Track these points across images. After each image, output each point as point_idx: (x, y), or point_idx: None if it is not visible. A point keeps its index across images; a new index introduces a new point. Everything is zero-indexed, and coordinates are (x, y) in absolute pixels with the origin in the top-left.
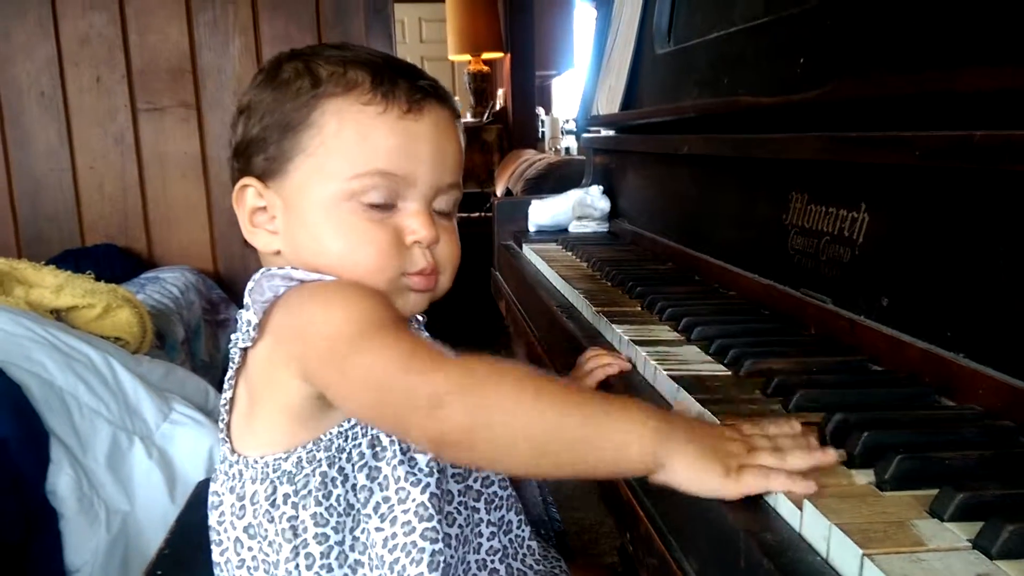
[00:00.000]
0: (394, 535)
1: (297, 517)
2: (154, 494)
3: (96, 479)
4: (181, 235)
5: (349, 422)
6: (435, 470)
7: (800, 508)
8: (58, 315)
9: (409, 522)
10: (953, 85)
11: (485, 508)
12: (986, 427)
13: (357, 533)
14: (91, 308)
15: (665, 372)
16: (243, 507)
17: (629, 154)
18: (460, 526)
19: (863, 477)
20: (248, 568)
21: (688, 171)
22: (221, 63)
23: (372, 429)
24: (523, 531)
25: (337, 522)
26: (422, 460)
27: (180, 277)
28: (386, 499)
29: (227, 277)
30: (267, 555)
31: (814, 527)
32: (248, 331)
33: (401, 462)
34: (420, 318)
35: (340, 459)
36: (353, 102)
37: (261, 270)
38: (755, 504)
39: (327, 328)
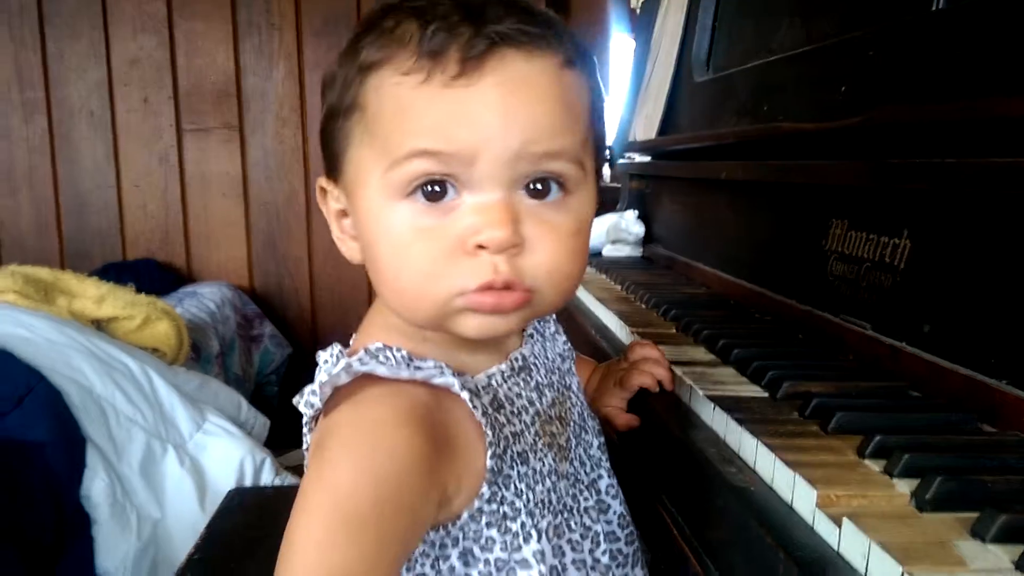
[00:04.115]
0: None
1: None
2: (185, 502)
3: (130, 486)
4: (219, 252)
5: (437, 532)
6: None
7: (839, 525)
8: (99, 325)
9: None
10: (998, 111)
11: None
12: None
13: None
14: (131, 319)
15: (701, 392)
16: None
17: (665, 179)
18: None
19: (903, 499)
20: None
21: (725, 197)
22: (265, 87)
23: (464, 542)
24: None
25: None
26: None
27: (217, 293)
28: None
29: (262, 294)
30: None
31: (853, 544)
32: (308, 409)
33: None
34: (555, 319)
35: (422, 566)
36: (393, 72)
37: (336, 350)
38: (792, 522)
39: (314, 495)
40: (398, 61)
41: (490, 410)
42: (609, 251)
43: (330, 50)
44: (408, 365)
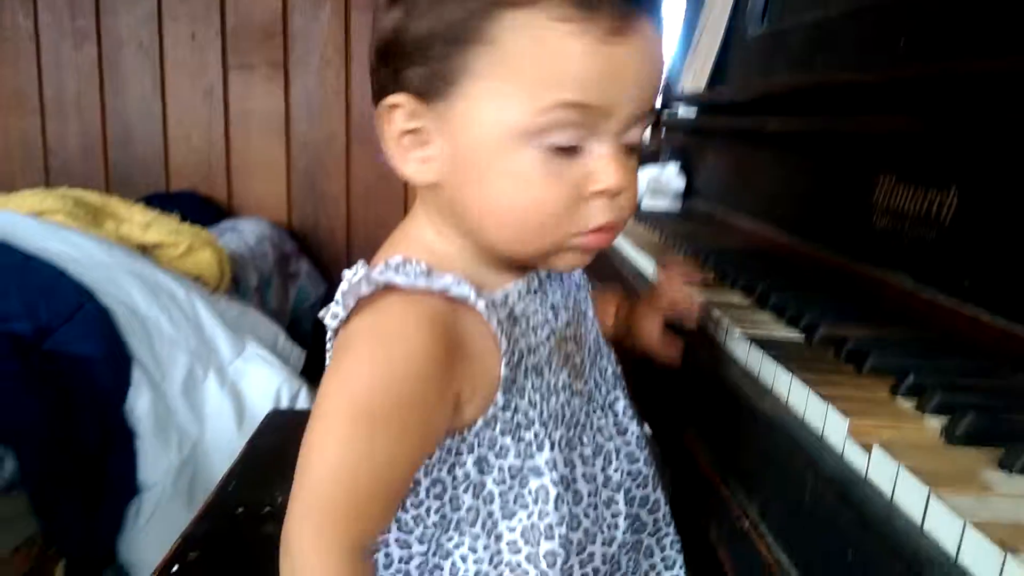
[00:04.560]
0: (499, 552)
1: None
2: (223, 424)
3: (172, 404)
4: (259, 188)
5: (453, 438)
6: (551, 497)
7: (868, 452)
8: (144, 250)
9: (515, 542)
10: None
11: (625, 499)
12: None
13: (443, 541)
14: (175, 247)
15: (737, 331)
16: None
17: (709, 133)
18: (585, 530)
19: (933, 432)
20: None
21: (770, 151)
22: (310, 27)
23: (479, 448)
24: (667, 509)
25: (422, 533)
26: (534, 484)
27: (256, 228)
28: (490, 514)
29: (300, 232)
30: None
31: (882, 469)
32: (332, 320)
33: (511, 487)
34: (583, 276)
35: (439, 471)
36: (541, 16)
37: (363, 269)
38: (822, 450)
39: (334, 394)
40: (547, 5)
41: (506, 323)
42: (648, 203)
43: None
44: (426, 277)
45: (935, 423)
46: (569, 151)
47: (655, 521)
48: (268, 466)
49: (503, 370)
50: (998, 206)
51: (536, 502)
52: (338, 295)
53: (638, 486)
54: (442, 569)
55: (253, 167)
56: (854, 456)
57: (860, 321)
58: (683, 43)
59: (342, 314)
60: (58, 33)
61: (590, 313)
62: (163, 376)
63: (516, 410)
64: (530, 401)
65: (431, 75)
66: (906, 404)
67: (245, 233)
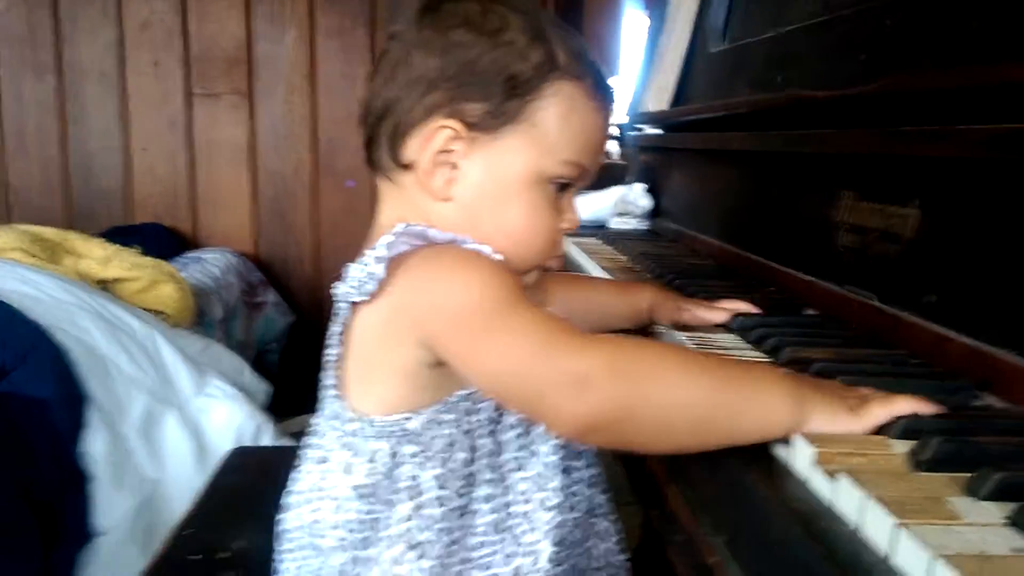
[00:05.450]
0: (513, 501)
1: (419, 477)
2: (183, 464)
3: (129, 445)
4: (225, 219)
5: (470, 398)
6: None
7: (835, 481)
8: (104, 286)
9: (527, 491)
10: (1009, 77)
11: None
12: None
13: (476, 494)
14: (136, 281)
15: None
16: (353, 466)
17: (674, 152)
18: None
19: (899, 458)
20: (348, 529)
21: (735, 169)
22: (275, 53)
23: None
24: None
25: (458, 486)
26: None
27: (221, 259)
28: (505, 462)
29: (267, 261)
30: (378, 514)
31: (848, 498)
32: (365, 285)
33: (521, 433)
34: None
35: (466, 422)
36: (582, 92)
37: (401, 225)
38: (787, 477)
39: (461, 301)
40: (587, 84)
41: None
42: (615, 223)
43: (343, 16)
44: (450, 235)
45: (901, 448)
46: (559, 189)
47: (602, 504)
48: (228, 508)
49: None
50: (961, 221)
51: (546, 441)
52: (358, 272)
53: (587, 466)
54: (472, 524)
55: (218, 197)
56: (820, 485)
57: (826, 341)
58: (647, 61)
59: (381, 273)
60: (18, 66)
61: None
62: (120, 416)
63: None
64: None
65: (488, 114)
66: None
67: (210, 264)
